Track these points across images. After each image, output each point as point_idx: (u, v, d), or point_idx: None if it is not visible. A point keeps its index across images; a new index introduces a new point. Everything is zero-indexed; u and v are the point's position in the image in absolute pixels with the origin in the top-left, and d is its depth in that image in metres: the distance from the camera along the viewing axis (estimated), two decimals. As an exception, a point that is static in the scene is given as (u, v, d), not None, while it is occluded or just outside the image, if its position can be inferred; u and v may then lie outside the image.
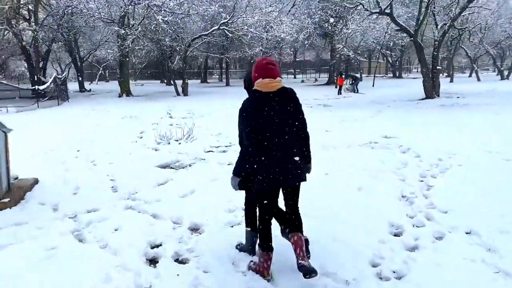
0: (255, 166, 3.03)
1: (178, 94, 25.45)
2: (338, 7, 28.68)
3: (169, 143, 8.72)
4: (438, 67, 19.34)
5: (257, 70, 3.03)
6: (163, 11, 21.48)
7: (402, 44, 33.70)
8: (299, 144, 3.14)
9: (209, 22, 29.76)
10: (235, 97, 23.50)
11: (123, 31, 21.69)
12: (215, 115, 14.38)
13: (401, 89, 27.24)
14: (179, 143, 8.77)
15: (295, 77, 64.03)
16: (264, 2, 24.35)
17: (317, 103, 19.06)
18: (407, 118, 12.09)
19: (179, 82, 26.75)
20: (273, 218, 3.30)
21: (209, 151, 8.07)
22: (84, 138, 9.70)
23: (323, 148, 7.57)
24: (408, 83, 35.28)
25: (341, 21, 28.93)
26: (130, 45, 22.17)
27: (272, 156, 2.98)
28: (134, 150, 8.25)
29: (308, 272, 2.91)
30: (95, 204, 4.92)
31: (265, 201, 3.16)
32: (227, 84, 39.03)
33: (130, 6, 22.54)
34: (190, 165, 6.92)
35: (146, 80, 56.19)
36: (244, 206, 3.61)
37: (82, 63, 32.26)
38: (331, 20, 28.87)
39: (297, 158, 3.06)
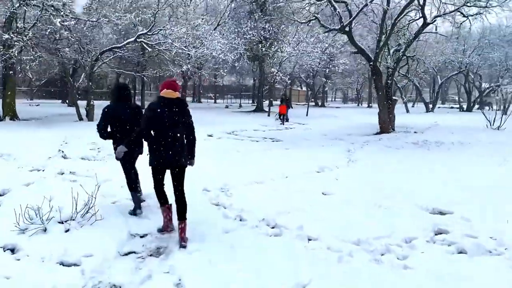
0: (149, 147, 4.34)
1: (80, 118, 20.36)
2: (271, 28, 26.02)
3: (45, 230, 4.41)
4: (394, 98, 17.07)
5: (165, 85, 4.31)
6: (63, 15, 16.66)
7: (335, 71, 31.95)
8: (183, 138, 4.43)
9: (122, 34, 25.23)
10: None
11: (7, 36, 16.38)
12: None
13: (341, 120, 24.99)
14: (67, 230, 4.49)
15: (215, 102, 60.48)
16: (192, 13, 20.56)
17: (261, 135, 15.59)
18: (404, 163, 9.01)
19: (84, 103, 21.70)
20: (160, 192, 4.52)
21: (130, 253, 4.02)
22: None
23: (361, 257, 3.88)
24: (339, 113, 33.58)
25: (275, 43, 26.25)
26: (17, 55, 16.87)
27: (161, 142, 4.22)
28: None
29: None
30: None
31: (156, 176, 4.46)
32: (142, 106, 34.19)
33: (20, 6, 17.39)
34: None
35: (46, 100, 48.56)
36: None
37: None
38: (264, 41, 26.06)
39: (180, 148, 4.32)
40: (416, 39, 19.41)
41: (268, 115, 27.33)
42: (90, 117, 20.36)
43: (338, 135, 15.66)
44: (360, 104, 57.13)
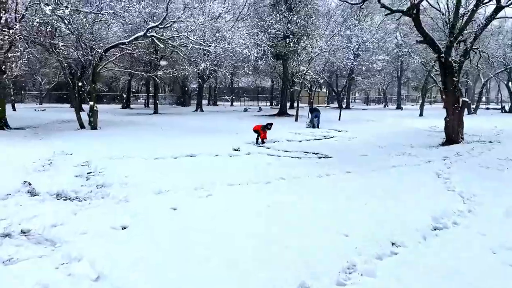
0: None
1: (82, 126, 17.41)
2: (299, 20, 22.73)
3: None
4: (464, 99, 13.65)
5: None
6: (56, 2, 13.67)
7: (372, 68, 28.42)
8: None
9: (134, 31, 22.31)
10: (176, 132, 16.02)
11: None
12: (140, 181, 6.89)
13: (382, 125, 21.53)
14: None
15: (232, 104, 57.39)
16: (209, 3, 17.39)
17: (300, 148, 12.30)
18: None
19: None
20: None
21: None
22: None
23: None
24: (371, 116, 30.05)
25: (303, 38, 22.96)
26: (1, 51, 13.96)
27: None
28: None
29: None
30: None
31: None
32: (156, 111, 31.19)
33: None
34: None
35: (56, 104, 45.96)
36: None
37: None
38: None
39: None
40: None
41: (296, 120, 24.04)
42: (93, 124, 17.40)
43: (397, 147, 12.31)
44: (386, 106, 53.30)
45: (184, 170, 8.49)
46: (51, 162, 9.45)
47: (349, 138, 15.11)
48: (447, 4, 14.72)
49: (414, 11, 10.97)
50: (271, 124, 14.27)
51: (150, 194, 6.37)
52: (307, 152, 11.45)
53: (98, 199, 6.14)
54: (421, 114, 29.45)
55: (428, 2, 14.09)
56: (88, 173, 8.21)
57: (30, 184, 6.53)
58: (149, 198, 6.15)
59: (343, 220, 5.00)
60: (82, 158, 9.78)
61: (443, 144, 13.18)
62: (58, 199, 6.16)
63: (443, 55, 11.88)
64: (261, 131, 13.55)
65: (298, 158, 10.51)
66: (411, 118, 26.86)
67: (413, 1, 10.60)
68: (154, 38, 18.08)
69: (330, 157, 10.64)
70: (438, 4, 14.73)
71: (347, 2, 12.96)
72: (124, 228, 4.84)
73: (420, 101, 38.41)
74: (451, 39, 11.85)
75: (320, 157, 10.61)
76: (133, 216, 5.19)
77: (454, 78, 13.55)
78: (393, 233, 4.53)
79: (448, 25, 14.11)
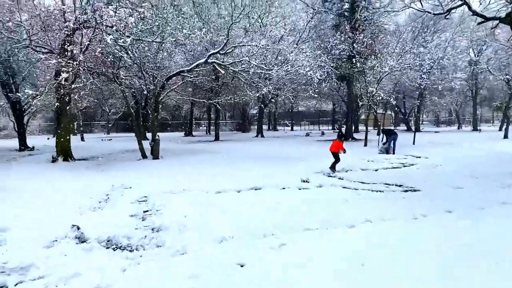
0: None
1: (144, 156, 17.10)
2: (366, 39, 21.37)
3: None
4: None
5: None
6: (117, 30, 13.53)
7: (450, 88, 26.11)
8: None
9: (196, 59, 22.19)
10: (238, 160, 15.13)
11: (54, 61, 13.64)
12: (200, 223, 5.90)
13: (463, 150, 19.25)
14: None
15: (292, 129, 56.37)
16: (271, 25, 16.64)
17: (378, 178, 10.77)
18: None
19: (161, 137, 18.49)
20: None
21: None
22: None
23: None
24: (447, 138, 27.52)
25: (371, 57, 21.54)
26: (66, 82, 14.01)
27: None
28: None
29: None
30: None
31: None
32: (217, 138, 30.83)
33: (78, 30, 14.62)
34: None
35: (124, 133, 47.31)
36: None
37: (23, 111, 23.82)
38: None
39: None
40: None
41: (365, 145, 22.39)
42: (155, 154, 17.03)
43: (496, 177, 10.44)
44: (460, 127, 49.41)
45: (249, 208, 7.41)
46: (108, 198, 8.84)
47: (433, 166, 13.30)
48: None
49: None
50: (341, 131, 13.15)
51: (211, 241, 5.34)
52: (389, 184, 9.96)
53: (153, 249, 5.20)
54: (505, 136, 26.45)
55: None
56: (144, 211, 7.40)
57: (78, 228, 5.76)
58: (210, 248, 5.12)
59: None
60: (141, 193, 9.08)
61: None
62: (107, 248, 5.31)
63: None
64: (339, 142, 12.39)
65: (380, 191, 9.07)
66: (494, 141, 24.13)
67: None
68: (215, 65, 17.63)
69: (418, 190, 9.09)
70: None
71: (429, 13, 11.53)
72: (180, 295, 3.81)
73: (501, 121, 35.00)
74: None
75: (406, 190, 9.10)
76: (192, 276, 4.15)
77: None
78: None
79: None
